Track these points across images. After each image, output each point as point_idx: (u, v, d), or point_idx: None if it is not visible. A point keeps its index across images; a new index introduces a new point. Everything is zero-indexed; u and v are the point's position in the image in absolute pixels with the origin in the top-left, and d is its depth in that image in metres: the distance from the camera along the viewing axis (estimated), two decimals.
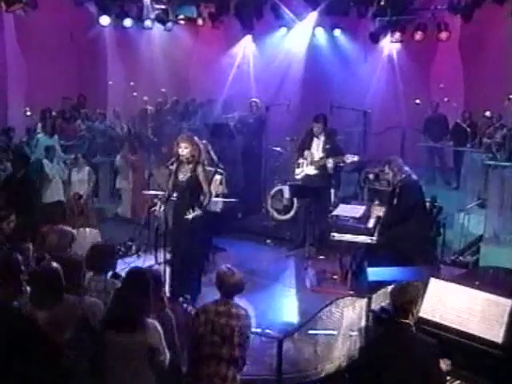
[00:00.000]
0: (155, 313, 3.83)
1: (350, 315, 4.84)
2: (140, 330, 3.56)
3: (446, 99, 11.72)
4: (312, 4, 10.65)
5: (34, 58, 10.73)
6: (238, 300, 4.14)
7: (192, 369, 4.11)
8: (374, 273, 5.59)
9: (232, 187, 7.85)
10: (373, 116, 10.48)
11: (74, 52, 11.08)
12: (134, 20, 10.86)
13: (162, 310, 4.05)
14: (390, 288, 4.05)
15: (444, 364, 3.74)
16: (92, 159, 9.82)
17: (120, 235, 8.01)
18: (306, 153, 7.93)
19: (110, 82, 12.25)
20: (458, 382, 3.86)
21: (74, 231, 5.17)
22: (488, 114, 10.43)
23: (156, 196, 7.03)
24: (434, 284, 4.17)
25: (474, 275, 5.45)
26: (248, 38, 12.61)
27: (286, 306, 6.58)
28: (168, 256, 6.31)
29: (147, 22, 10.94)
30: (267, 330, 5.38)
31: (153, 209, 7.23)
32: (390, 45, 12.02)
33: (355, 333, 4.87)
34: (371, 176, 8.12)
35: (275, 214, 9.33)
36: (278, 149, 10.17)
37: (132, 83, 12.13)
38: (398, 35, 10.96)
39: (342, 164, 7.87)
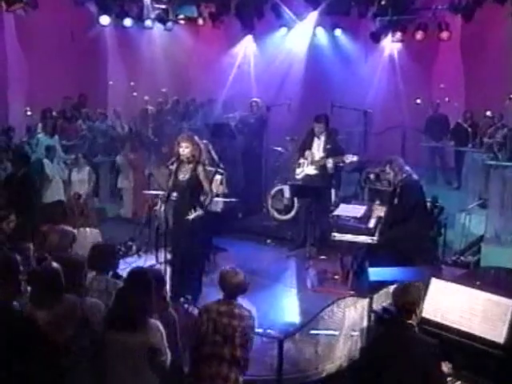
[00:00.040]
0: (158, 313, 3.82)
1: (351, 315, 4.83)
2: (141, 330, 3.55)
3: (447, 99, 11.74)
4: (313, 4, 10.64)
5: (34, 58, 10.72)
6: (240, 300, 4.13)
7: (194, 369, 4.11)
8: (374, 273, 5.58)
9: (232, 187, 7.85)
10: (374, 116, 10.47)
11: (74, 52, 11.05)
12: (135, 20, 10.84)
13: (165, 309, 4.04)
14: (391, 288, 4.05)
15: (445, 367, 3.72)
16: (93, 159, 9.81)
17: (120, 235, 8.00)
18: (307, 153, 7.93)
19: (111, 82, 12.24)
20: (459, 382, 3.84)
21: (75, 231, 5.17)
22: (489, 113, 10.44)
23: (157, 196, 7.03)
24: (436, 284, 4.16)
25: (476, 275, 5.44)
26: (249, 38, 12.60)
27: (287, 306, 6.58)
28: (168, 256, 6.30)
29: (147, 22, 10.93)
30: (268, 330, 5.37)
31: (154, 208, 7.22)
32: (390, 44, 12.02)
33: (356, 333, 4.87)
34: (372, 176, 8.11)
35: (276, 214, 9.32)
36: (279, 149, 10.16)
37: (132, 83, 12.13)
38: (398, 35, 10.96)
39: (341, 164, 7.87)
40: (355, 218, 6.68)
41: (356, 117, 10.50)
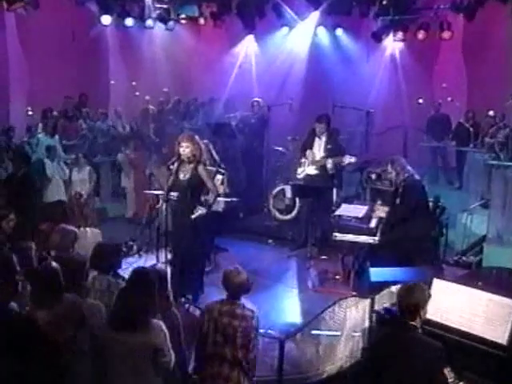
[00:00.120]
0: (161, 312, 3.81)
1: (353, 316, 4.82)
2: (142, 330, 3.53)
3: (448, 99, 11.71)
4: (314, 3, 10.62)
5: (35, 58, 10.71)
6: (242, 300, 4.11)
7: (197, 369, 4.11)
8: (376, 273, 5.57)
9: (234, 187, 7.84)
10: (375, 116, 10.47)
11: (75, 51, 11.04)
12: (136, 19, 10.83)
13: (168, 309, 4.03)
14: (393, 288, 4.03)
15: (445, 370, 3.69)
16: (93, 159, 9.80)
17: (121, 235, 7.97)
18: (308, 152, 7.92)
19: (112, 82, 12.23)
20: (462, 383, 3.82)
21: (76, 230, 5.16)
22: (491, 113, 10.40)
23: (157, 196, 7.01)
24: (437, 284, 4.14)
25: (477, 275, 5.44)
26: (250, 38, 12.58)
27: (288, 307, 6.56)
28: (169, 256, 6.29)
29: (149, 22, 10.91)
30: (269, 331, 5.35)
31: (157, 206, 7.20)
32: (392, 44, 11.99)
33: (358, 333, 4.85)
34: (373, 176, 8.08)
35: (277, 214, 9.30)
36: (280, 148, 10.15)
37: (134, 83, 12.11)
38: (400, 34, 10.93)
39: (343, 164, 7.84)
40: (357, 217, 6.66)
41: (357, 117, 10.50)
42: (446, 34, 10.48)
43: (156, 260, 7.06)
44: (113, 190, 10.46)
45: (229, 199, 7.42)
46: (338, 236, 6.61)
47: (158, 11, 11.02)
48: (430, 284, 4.08)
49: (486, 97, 10.87)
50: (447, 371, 3.68)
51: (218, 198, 7.05)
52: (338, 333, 4.89)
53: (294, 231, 8.52)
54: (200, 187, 6.13)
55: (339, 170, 8.06)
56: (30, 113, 10.10)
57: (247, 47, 12.90)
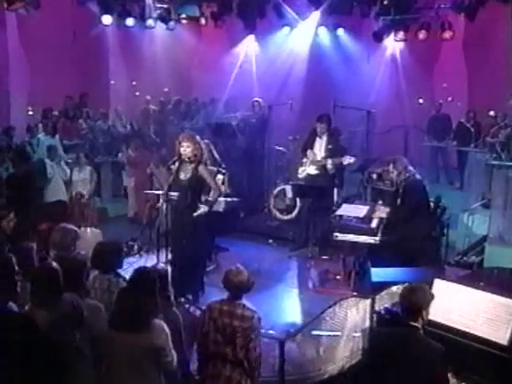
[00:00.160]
0: (162, 312, 3.80)
1: (353, 316, 4.80)
2: (144, 331, 3.52)
3: (449, 98, 11.70)
4: (315, 3, 10.60)
5: (36, 57, 10.70)
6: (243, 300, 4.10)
7: (199, 368, 4.10)
8: (377, 273, 5.55)
9: (234, 187, 7.84)
10: (376, 115, 10.44)
11: (76, 51, 11.05)
12: (137, 19, 10.83)
13: (169, 308, 4.02)
14: (394, 289, 4.01)
15: (448, 374, 3.68)
16: (94, 159, 9.80)
17: (122, 235, 7.97)
18: (309, 152, 7.92)
19: (112, 82, 12.23)
20: None
21: (77, 230, 5.14)
22: (492, 113, 10.39)
23: (158, 195, 7.00)
24: (438, 285, 4.13)
25: (479, 276, 5.42)
26: (251, 38, 12.58)
27: (289, 307, 6.55)
28: (170, 256, 6.28)
29: (149, 21, 10.90)
30: (269, 331, 5.34)
31: (157, 206, 7.19)
32: (393, 44, 11.99)
33: (358, 334, 4.83)
34: (374, 176, 8.07)
35: (278, 214, 9.29)
36: (281, 148, 10.13)
37: (134, 83, 12.12)
38: (401, 34, 10.93)
39: (345, 164, 7.83)
40: (358, 217, 6.65)
41: (358, 116, 10.48)
42: (447, 34, 10.48)
43: (156, 260, 7.07)
44: (114, 190, 10.45)
45: (229, 199, 7.42)
46: (339, 236, 6.59)
47: (158, 11, 11.02)
48: (431, 284, 4.07)
49: (487, 96, 10.84)
50: (450, 375, 3.67)
51: (219, 198, 7.05)
52: (339, 333, 4.87)
53: (295, 231, 8.51)
54: (200, 187, 6.13)
55: (340, 169, 8.05)
56: (31, 113, 10.11)
57: (248, 47, 12.91)
